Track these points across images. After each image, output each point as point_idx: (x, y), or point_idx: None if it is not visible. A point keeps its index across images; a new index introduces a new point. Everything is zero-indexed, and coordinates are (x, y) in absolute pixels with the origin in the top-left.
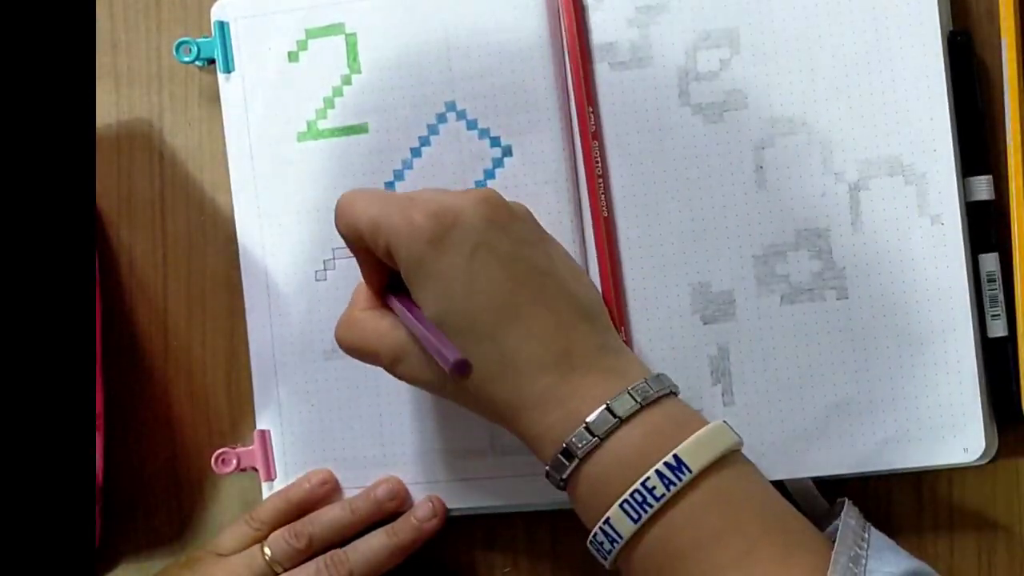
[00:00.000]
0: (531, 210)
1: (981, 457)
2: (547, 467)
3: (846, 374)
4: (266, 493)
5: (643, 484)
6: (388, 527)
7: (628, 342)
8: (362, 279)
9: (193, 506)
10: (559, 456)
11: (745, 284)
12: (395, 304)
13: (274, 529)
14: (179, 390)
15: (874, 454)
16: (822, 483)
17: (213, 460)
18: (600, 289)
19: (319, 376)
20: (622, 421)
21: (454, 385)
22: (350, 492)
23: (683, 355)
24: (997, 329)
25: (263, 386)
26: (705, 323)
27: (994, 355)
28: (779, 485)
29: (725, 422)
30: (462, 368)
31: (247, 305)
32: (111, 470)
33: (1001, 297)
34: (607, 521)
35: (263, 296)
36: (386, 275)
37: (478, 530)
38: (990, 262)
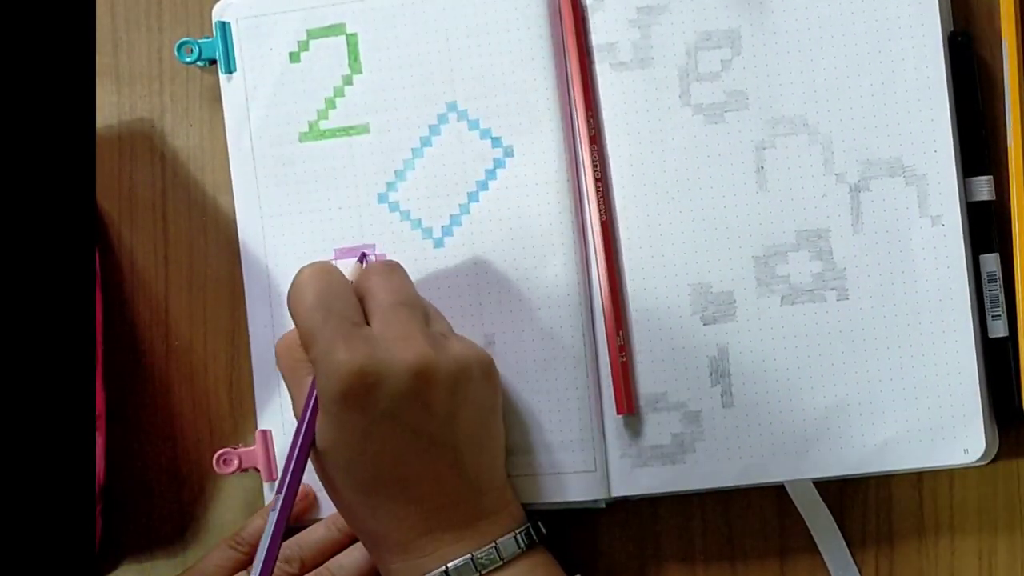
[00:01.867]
0: (533, 211)
1: (982, 457)
2: None
3: (846, 375)
4: (267, 493)
5: None
6: None
7: (628, 343)
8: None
9: (194, 507)
10: None
11: (745, 285)
12: (305, 399)
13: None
14: (180, 390)
15: (874, 454)
16: (823, 483)
17: (215, 460)
18: (600, 294)
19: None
20: None
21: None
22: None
23: (683, 356)
24: (998, 329)
25: (264, 386)
26: (705, 324)
27: (995, 355)
28: (779, 487)
29: None
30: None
31: (248, 305)
32: (111, 470)
33: (1001, 297)
34: None
35: (264, 296)
36: None
37: None
38: (991, 262)
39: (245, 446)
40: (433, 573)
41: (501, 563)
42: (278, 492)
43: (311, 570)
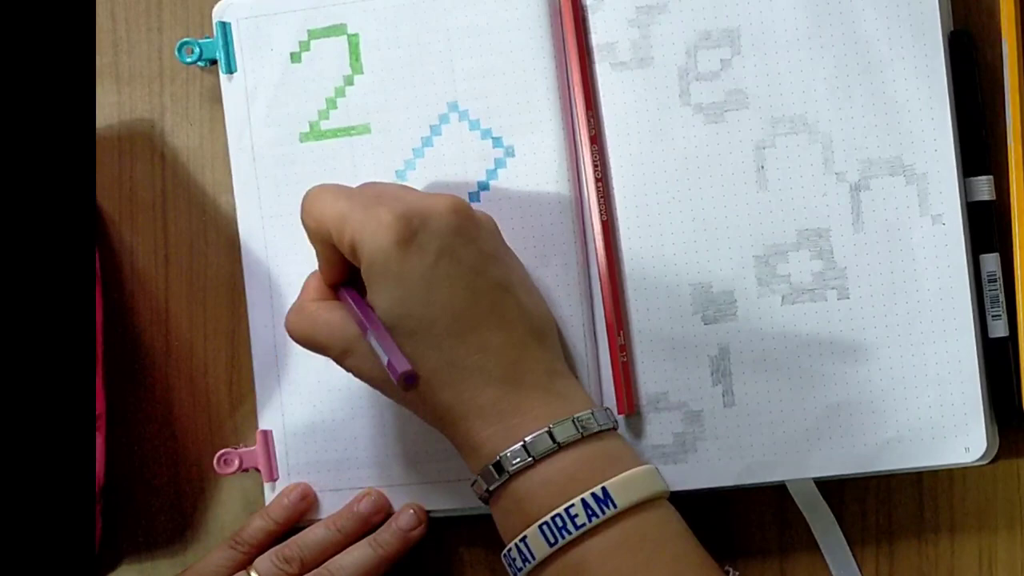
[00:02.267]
0: (534, 210)
1: (982, 457)
2: (475, 476)
3: (847, 374)
4: (268, 493)
5: (566, 510)
6: (371, 538)
7: (628, 343)
8: (316, 270)
9: (195, 507)
10: (490, 468)
11: (746, 284)
12: (347, 300)
13: (259, 550)
14: (180, 390)
15: (875, 454)
16: (824, 483)
17: (215, 461)
18: (600, 294)
19: (321, 376)
20: (560, 447)
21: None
22: (352, 492)
23: (684, 355)
24: (998, 329)
25: (265, 386)
26: (706, 323)
27: (995, 355)
28: (780, 486)
29: (656, 469)
30: (410, 379)
31: (249, 305)
32: (111, 470)
33: (1002, 297)
34: (524, 539)
35: (265, 296)
36: (345, 271)
37: (476, 530)
38: (991, 262)
39: (245, 446)
40: (535, 434)
41: (598, 429)
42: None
43: (311, 570)
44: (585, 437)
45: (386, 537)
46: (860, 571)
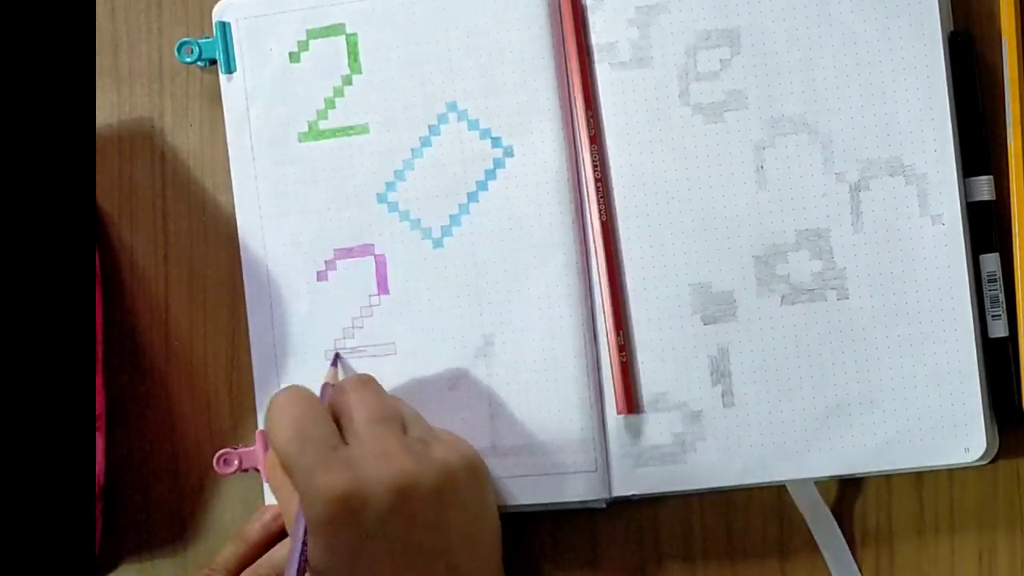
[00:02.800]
0: (534, 211)
1: (982, 457)
2: None
3: (847, 374)
4: (267, 493)
5: None
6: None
7: (628, 343)
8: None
9: (194, 507)
10: None
11: (746, 284)
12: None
13: (233, 572)
14: (180, 390)
15: (875, 454)
16: (823, 483)
17: (215, 460)
18: (600, 294)
19: (320, 377)
20: None
21: None
22: None
23: (683, 356)
24: (998, 329)
25: (264, 386)
26: (705, 323)
27: (995, 355)
28: (780, 486)
29: None
30: None
31: (248, 305)
32: (111, 470)
33: (1002, 297)
34: None
35: (264, 296)
36: None
37: None
38: (991, 262)
39: (245, 446)
40: None
41: None
42: None
43: None
44: None
45: None
46: (860, 571)
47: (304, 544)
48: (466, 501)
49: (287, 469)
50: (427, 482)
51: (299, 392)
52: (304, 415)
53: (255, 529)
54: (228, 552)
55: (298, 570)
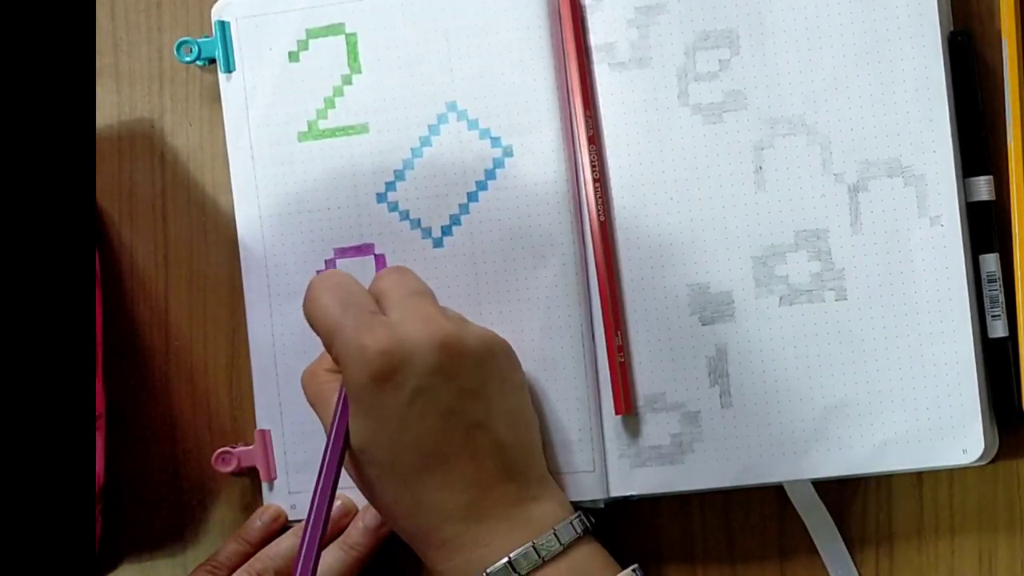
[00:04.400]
0: (533, 210)
1: (981, 458)
2: None
3: (845, 375)
4: (266, 493)
5: None
6: (340, 540)
7: (626, 344)
8: None
9: (194, 507)
10: None
11: (744, 285)
12: (339, 399)
13: (233, 570)
14: (180, 390)
15: (874, 455)
16: (822, 484)
17: (213, 459)
18: (598, 291)
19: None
20: None
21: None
22: (350, 492)
23: (681, 356)
24: (997, 330)
25: (263, 386)
26: (704, 324)
27: (994, 356)
28: (779, 487)
29: (634, 570)
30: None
31: (247, 305)
32: (111, 470)
33: (1001, 298)
34: None
35: (264, 296)
36: None
37: None
38: (990, 262)
39: (245, 445)
40: (494, 567)
41: (561, 548)
42: (311, 510)
43: None
44: (548, 561)
45: (355, 537)
46: (859, 572)
47: (340, 428)
48: (505, 375)
49: (328, 337)
50: (469, 346)
51: (336, 272)
52: (343, 286)
53: (255, 528)
54: (229, 550)
55: (340, 452)
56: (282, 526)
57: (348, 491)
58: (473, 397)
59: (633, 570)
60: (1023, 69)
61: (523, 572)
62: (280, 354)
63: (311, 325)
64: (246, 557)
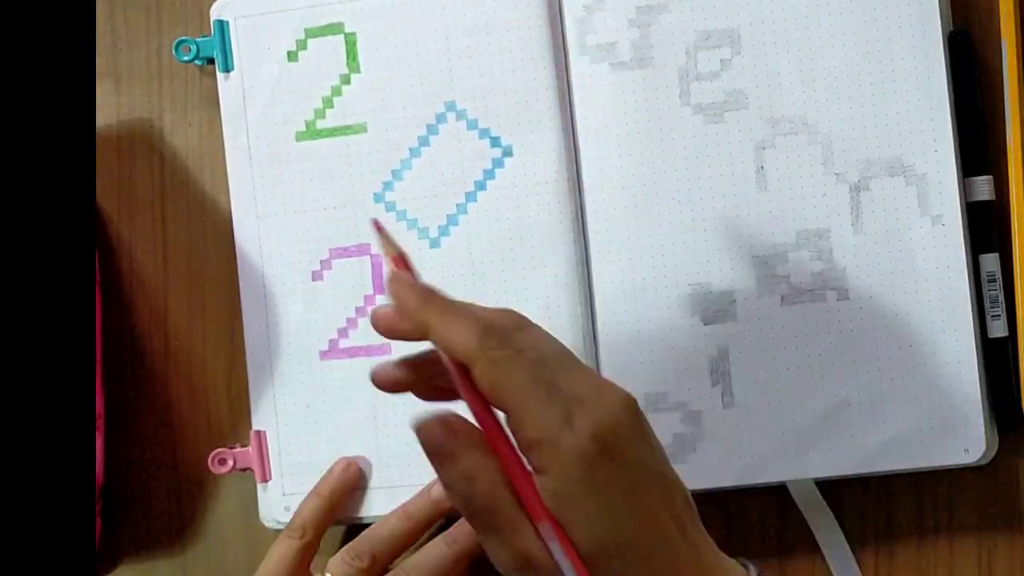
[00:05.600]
0: (532, 210)
1: (981, 458)
2: None
3: (846, 375)
4: (261, 494)
5: None
6: (446, 535)
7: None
8: None
9: (193, 507)
10: None
11: (746, 285)
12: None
13: (317, 529)
14: (179, 390)
15: (874, 455)
16: (823, 483)
17: (210, 460)
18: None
19: (315, 376)
20: None
21: None
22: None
23: (683, 356)
24: (997, 329)
25: (259, 386)
26: (705, 324)
27: (994, 355)
28: (780, 486)
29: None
30: None
31: (243, 304)
32: (110, 470)
33: (1001, 297)
34: None
35: (259, 295)
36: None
37: None
38: (990, 262)
39: (242, 446)
40: None
41: None
42: None
43: (384, 564)
44: None
45: (459, 534)
46: (860, 571)
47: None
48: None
49: (525, 424)
50: (633, 397)
51: (519, 326)
52: (541, 360)
53: (330, 481)
54: (306, 508)
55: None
56: (355, 475)
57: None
58: (661, 450)
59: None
60: (1023, 69)
61: None
62: (275, 354)
63: (487, 393)
64: (324, 511)
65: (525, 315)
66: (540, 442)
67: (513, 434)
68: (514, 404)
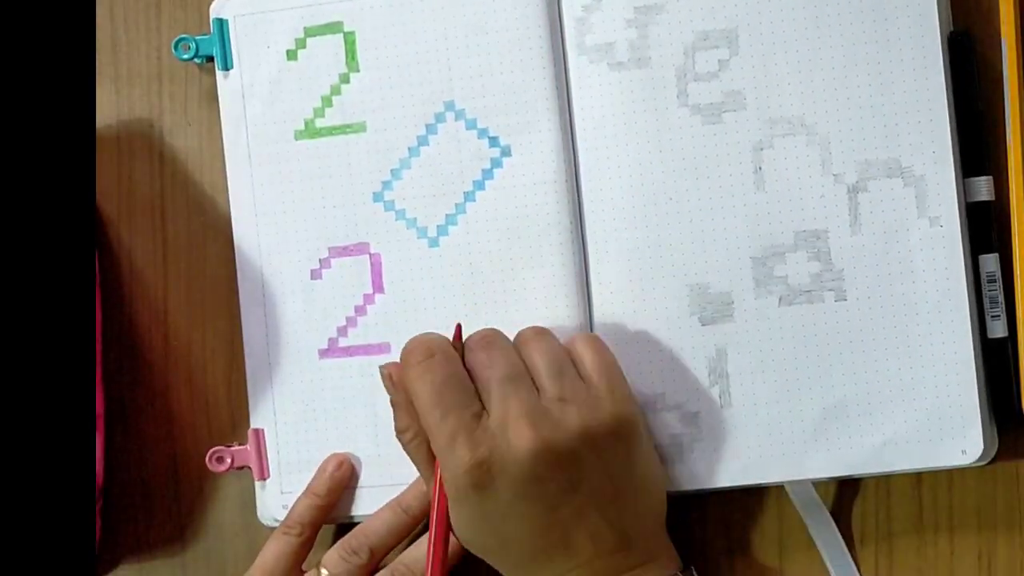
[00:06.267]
0: (531, 210)
1: (981, 458)
2: None
3: (845, 376)
4: (259, 492)
5: None
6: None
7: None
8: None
9: (193, 506)
10: None
11: (743, 285)
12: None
13: (312, 528)
14: (179, 390)
15: (873, 455)
16: (822, 484)
17: (207, 458)
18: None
19: (313, 375)
20: None
21: None
22: (348, 492)
23: (681, 356)
24: (997, 330)
25: (257, 385)
26: (703, 324)
27: (994, 356)
28: (779, 486)
29: None
30: None
31: (242, 303)
32: (110, 470)
33: (1001, 298)
34: None
35: (258, 295)
36: None
37: None
38: (990, 263)
39: (240, 445)
40: None
41: None
42: None
43: (381, 558)
44: None
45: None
46: (859, 571)
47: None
48: (609, 460)
49: (428, 434)
50: (564, 448)
51: (438, 350)
52: (445, 381)
53: (324, 479)
54: (301, 506)
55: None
56: (347, 473)
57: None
58: (573, 491)
59: None
60: (1023, 69)
61: None
62: (274, 353)
63: (401, 404)
64: (319, 509)
65: (523, 326)
66: (437, 455)
67: None
68: (423, 418)
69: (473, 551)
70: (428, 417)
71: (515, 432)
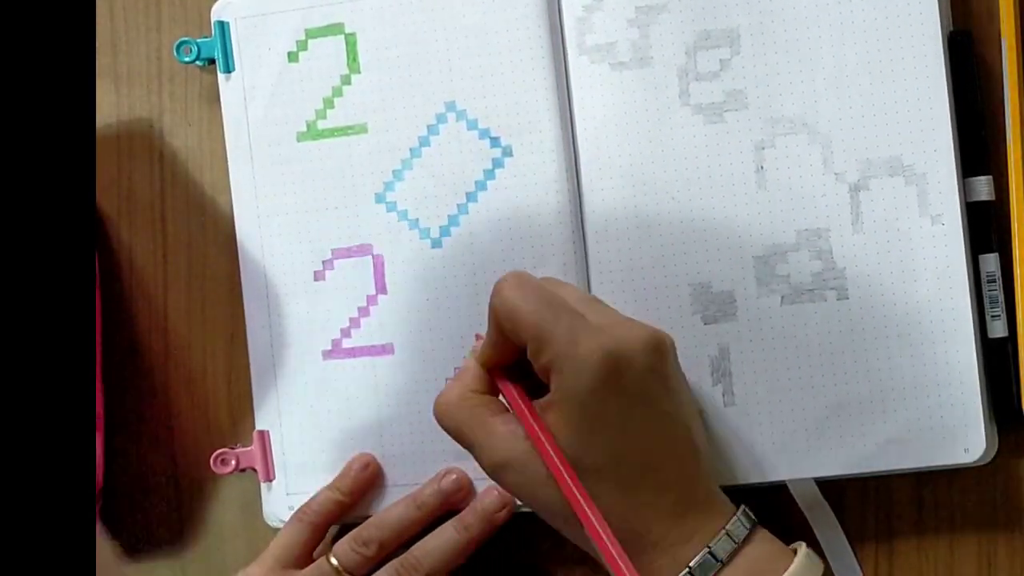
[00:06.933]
0: (532, 211)
1: (981, 458)
2: None
3: (846, 375)
4: (264, 494)
5: None
6: (455, 521)
7: None
8: (475, 351)
9: (193, 507)
10: None
11: (746, 284)
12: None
13: (328, 519)
14: (179, 390)
15: (874, 454)
16: (823, 483)
17: (212, 460)
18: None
19: (318, 376)
20: (723, 564)
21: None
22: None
23: (683, 355)
24: (997, 329)
25: (262, 386)
26: (706, 323)
27: (994, 355)
28: (781, 486)
29: (808, 551)
30: None
31: (246, 305)
32: (110, 471)
33: (1001, 297)
34: None
35: (262, 296)
36: (512, 359)
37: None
38: (990, 262)
39: (243, 446)
40: (699, 556)
41: (748, 529)
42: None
43: (390, 551)
44: (741, 545)
45: (471, 520)
46: (861, 571)
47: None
48: (681, 371)
49: (540, 343)
50: (669, 344)
51: (525, 275)
52: (544, 289)
53: (348, 478)
54: (322, 498)
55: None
56: (373, 473)
57: (384, 490)
58: (679, 399)
59: (807, 550)
60: (1023, 69)
61: (723, 558)
62: (278, 354)
63: (505, 326)
64: (339, 505)
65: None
66: (552, 361)
67: (533, 364)
68: (525, 329)
69: (581, 467)
70: (543, 321)
71: (627, 328)
